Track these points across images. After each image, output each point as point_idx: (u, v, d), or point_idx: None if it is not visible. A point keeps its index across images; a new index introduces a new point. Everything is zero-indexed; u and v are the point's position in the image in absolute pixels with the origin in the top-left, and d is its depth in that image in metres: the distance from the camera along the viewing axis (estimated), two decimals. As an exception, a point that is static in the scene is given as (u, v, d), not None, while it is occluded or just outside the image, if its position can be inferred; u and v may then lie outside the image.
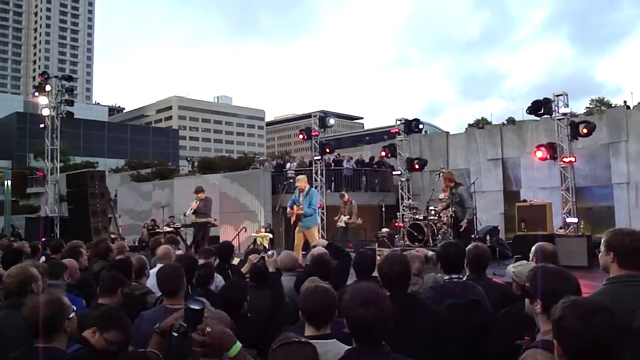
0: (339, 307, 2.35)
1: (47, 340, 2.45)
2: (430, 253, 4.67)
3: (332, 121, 17.33)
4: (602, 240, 2.54)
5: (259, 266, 4.58)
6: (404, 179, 16.93)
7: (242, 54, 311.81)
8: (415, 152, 18.09)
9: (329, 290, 2.62)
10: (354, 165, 19.98)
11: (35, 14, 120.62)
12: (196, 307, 1.85)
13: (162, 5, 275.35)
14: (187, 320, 1.83)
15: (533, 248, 3.66)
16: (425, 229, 11.48)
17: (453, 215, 10.34)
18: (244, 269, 5.20)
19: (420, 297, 3.34)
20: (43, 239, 10.92)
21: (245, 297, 3.50)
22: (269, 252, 5.20)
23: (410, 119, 17.07)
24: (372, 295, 2.13)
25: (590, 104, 45.13)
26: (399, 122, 17.11)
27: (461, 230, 9.85)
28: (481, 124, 41.10)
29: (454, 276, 3.56)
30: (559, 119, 12.35)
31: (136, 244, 17.11)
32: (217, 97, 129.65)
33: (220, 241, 9.50)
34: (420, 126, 17.19)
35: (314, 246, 5.40)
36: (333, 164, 19.59)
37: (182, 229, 12.93)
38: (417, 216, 12.30)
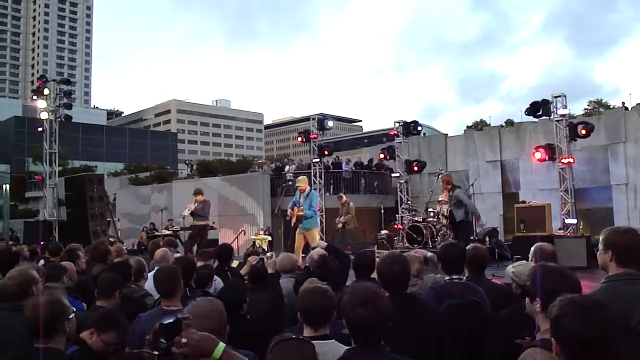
0: (338, 307, 2.34)
1: (47, 341, 2.46)
2: (429, 254, 4.66)
3: (330, 123, 17.34)
4: (600, 239, 2.54)
5: (257, 268, 4.58)
6: (402, 181, 16.93)
7: (240, 58, 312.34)
8: (413, 155, 18.10)
9: (327, 291, 2.62)
10: (353, 168, 19.98)
11: (34, 18, 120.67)
12: (169, 321, 1.85)
13: (161, 10, 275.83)
14: (166, 336, 1.82)
15: (532, 248, 3.66)
16: (424, 230, 11.49)
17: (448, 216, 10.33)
18: (242, 271, 5.20)
19: (420, 297, 3.33)
20: (42, 243, 10.91)
21: (245, 298, 3.50)
22: (268, 254, 5.19)
23: (409, 121, 17.09)
24: (370, 294, 2.12)
25: (588, 105, 45.08)
26: (397, 124, 17.11)
27: (458, 222, 9.78)
28: (480, 126, 41.10)
29: (454, 277, 3.55)
30: (557, 120, 12.37)
31: (135, 247, 17.09)
32: (216, 100, 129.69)
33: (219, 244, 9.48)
34: (419, 128, 17.20)
35: (314, 248, 5.39)
36: (332, 167, 19.60)
37: (180, 232, 12.91)
38: (416, 218, 12.31)
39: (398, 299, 2.77)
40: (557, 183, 12.67)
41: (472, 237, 10.14)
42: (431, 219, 11.67)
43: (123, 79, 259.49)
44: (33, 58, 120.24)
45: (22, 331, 2.58)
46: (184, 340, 1.71)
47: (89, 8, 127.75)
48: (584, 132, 11.99)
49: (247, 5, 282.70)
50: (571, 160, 12.30)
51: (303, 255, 9.04)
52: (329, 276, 4.12)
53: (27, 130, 61.52)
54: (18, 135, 67.70)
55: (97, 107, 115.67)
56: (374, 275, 3.49)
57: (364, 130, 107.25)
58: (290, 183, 17.74)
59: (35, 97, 16.36)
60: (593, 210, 15.80)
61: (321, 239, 12.17)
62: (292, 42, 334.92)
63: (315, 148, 16.93)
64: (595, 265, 5.17)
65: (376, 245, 12.56)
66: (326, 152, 17.16)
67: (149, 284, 4.54)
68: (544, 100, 12.32)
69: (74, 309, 2.71)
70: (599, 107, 40.97)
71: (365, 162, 20.92)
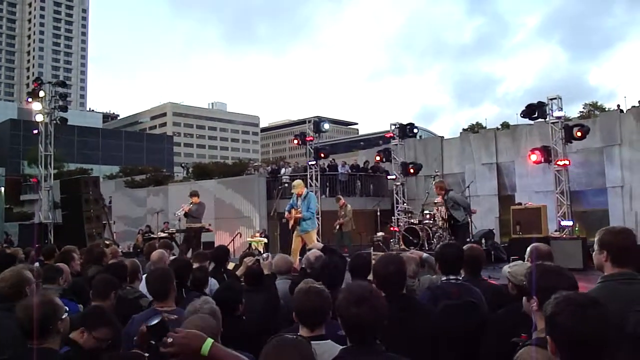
0: (334, 307, 2.33)
1: (41, 341, 2.45)
2: (425, 255, 4.65)
3: (326, 126, 17.34)
4: (595, 239, 2.55)
5: (253, 269, 4.55)
6: (398, 184, 16.95)
7: (236, 61, 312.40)
8: (409, 157, 18.12)
9: (323, 291, 2.61)
10: (349, 170, 20.00)
11: (29, 20, 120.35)
12: (154, 322, 1.84)
13: (157, 13, 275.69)
14: (153, 337, 1.83)
15: (528, 249, 3.69)
16: (420, 232, 11.50)
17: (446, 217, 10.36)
18: (238, 272, 5.18)
19: (416, 297, 3.33)
20: (36, 246, 10.84)
21: (241, 299, 3.49)
22: (264, 255, 5.17)
23: (405, 123, 17.11)
24: (365, 293, 2.12)
25: (583, 108, 45.35)
26: (393, 127, 17.14)
27: (458, 223, 9.81)
28: (476, 128, 41.23)
29: (451, 277, 3.55)
30: (553, 123, 12.41)
31: (131, 250, 17.04)
32: (212, 103, 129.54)
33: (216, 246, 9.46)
34: (415, 131, 17.26)
35: (310, 249, 5.38)
36: (328, 169, 19.61)
37: (176, 234, 12.88)
38: (412, 220, 12.33)
39: (394, 299, 2.77)
40: (552, 185, 12.70)
41: (468, 240, 10.18)
42: (427, 221, 11.68)
43: (119, 82, 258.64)
44: (28, 61, 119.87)
45: (16, 331, 2.57)
46: (169, 340, 1.71)
47: (85, 11, 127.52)
48: (579, 134, 12.04)
49: (245, 9, 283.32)
50: (567, 162, 12.34)
51: (299, 258, 9.03)
52: (325, 277, 4.10)
53: (22, 133, 61.55)
54: (13, 137, 67.64)
55: (92, 110, 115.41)
56: (370, 277, 3.49)
57: (360, 133, 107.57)
58: (286, 185, 17.71)
59: (30, 100, 16.26)
60: (589, 213, 15.84)
61: (318, 241, 12.18)
62: (288, 45, 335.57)
63: (312, 151, 16.93)
64: (591, 267, 5.18)
65: (372, 248, 12.60)
66: (322, 155, 17.16)
67: (143, 286, 4.53)
68: (539, 102, 12.37)
69: (67, 309, 2.69)
70: (594, 110, 41.18)
71: (361, 165, 20.96)
